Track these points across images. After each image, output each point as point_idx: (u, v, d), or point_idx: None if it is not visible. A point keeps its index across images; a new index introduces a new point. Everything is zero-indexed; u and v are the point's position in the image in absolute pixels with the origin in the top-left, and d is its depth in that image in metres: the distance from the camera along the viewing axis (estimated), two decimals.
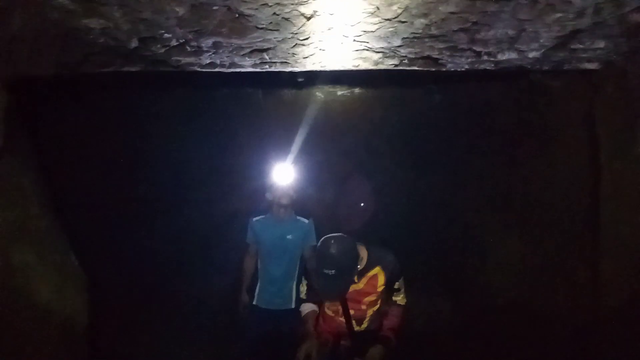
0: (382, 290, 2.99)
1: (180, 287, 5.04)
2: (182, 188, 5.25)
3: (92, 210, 4.49)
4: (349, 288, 2.82)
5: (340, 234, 2.78)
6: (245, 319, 4.11)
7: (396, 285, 3.04)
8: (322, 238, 2.77)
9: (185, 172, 5.23)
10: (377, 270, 2.94)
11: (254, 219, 4.05)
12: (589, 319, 3.43)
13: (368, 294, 2.99)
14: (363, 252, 2.89)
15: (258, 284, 4.08)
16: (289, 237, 3.95)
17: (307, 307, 3.14)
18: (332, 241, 2.68)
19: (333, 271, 2.60)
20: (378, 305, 3.08)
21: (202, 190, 5.31)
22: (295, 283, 4.04)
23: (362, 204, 5.53)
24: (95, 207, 4.55)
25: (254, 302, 4.05)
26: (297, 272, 4.04)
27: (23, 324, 2.84)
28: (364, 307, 3.04)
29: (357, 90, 5.29)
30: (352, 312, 3.05)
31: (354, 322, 3.07)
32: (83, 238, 3.69)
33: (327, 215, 4.82)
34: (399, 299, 3.08)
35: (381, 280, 2.95)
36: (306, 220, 4.04)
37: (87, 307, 3.29)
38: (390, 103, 5.42)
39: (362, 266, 2.87)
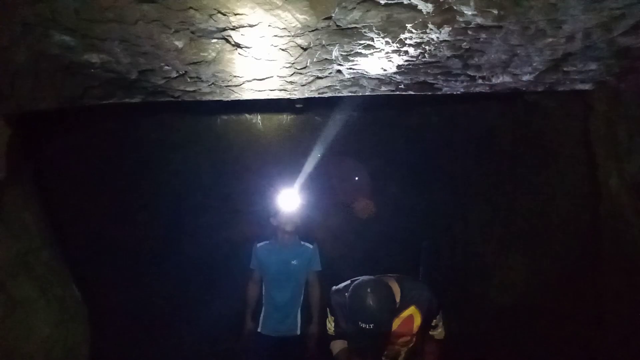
0: (419, 331, 2.67)
1: (183, 315, 5.02)
2: (185, 215, 5.26)
3: (94, 241, 4.49)
4: (388, 340, 2.57)
5: (371, 278, 2.46)
6: (250, 346, 4.07)
7: (433, 323, 2.73)
8: (353, 285, 2.45)
9: (188, 199, 5.25)
10: (412, 310, 2.60)
11: (258, 244, 4.04)
12: (593, 335, 3.42)
13: (402, 335, 2.67)
14: (396, 289, 2.54)
15: (262, 311, 4.05)
16: (293, 262, 3.94)
17: (338, 346, 2.80)
18: (369, 290, 2.33)
19: (372, 325, 2.27)
20: (413, 344, 2.78)
21: (205, 216, 5.32)
22: (300, 309, 4.02)
23: (364, 225, 5.53)
24: (98, 238, 4.55)
25: (259, 329, 4.02)
26: (302, 298, 4.02)
27: (24, 357, 2.82)
28: (397, 346, 2.76)
29: (355, 114, 5.34)
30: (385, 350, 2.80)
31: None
32: (85, 270, 3.69)
33: (330, 240, 4.83)
34: (437, 333, 2.77)
35: (417, 321, 2.61)
36: (310, 246, 4.02)
37: (88, 339, 3.27)
38: (389, 125, 5.47)
39: (396, 306, 2.52)
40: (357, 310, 2.33)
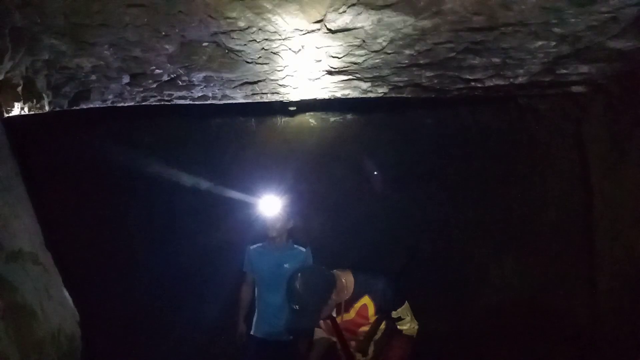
0: (376, 319, 2.82)
1: (176, 318, 5.00)
2: (178, 218, 5.25)
3: (87, 244, 4.47)
4: (314, 326, 2.74)
5: (314, 265, 2.74)
6: (243, 349, 4.06)
7: (394, 314, 2.82)
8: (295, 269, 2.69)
9: (182, 201, 5.24)
10: (365, 300, 2.78)
11: (251, 247, 4.04)
12: (586, 338, 3.43)
13: (361, 324, 2.84)
14: (349, 281, 2.75)
15: (255, 313, 4.05)
16: (285, 265, 3.93)
17: (319, 333, 3.00)
18: (299, 274, 2.58)
19: (297, 307, 2.51)
20: (379, 335, 2.89)
21: (198, 218, 5.31)
22: None
23: (354, 230, 5.51)
24: (91, 241, 4.53)
25: (252, 332, 4.01)
26: None
27: None
28: (361, 337, 2.88)
29: (349, 116, 5.34)
30: (352, 343, 2.91)
31: (359, 354, 2.92)
32: (79, 272, 3.66)
33: (321, 243, 4.81)
34: (405, 327, 2.86)
35: (371, 310, 2.78)
36: (303, 249, 4.02)
37: (81, 342, 3.25)
38: (382, 127, 5.46)
39: (349, 296, 2.75)
40: (287, 290, 2.57)
